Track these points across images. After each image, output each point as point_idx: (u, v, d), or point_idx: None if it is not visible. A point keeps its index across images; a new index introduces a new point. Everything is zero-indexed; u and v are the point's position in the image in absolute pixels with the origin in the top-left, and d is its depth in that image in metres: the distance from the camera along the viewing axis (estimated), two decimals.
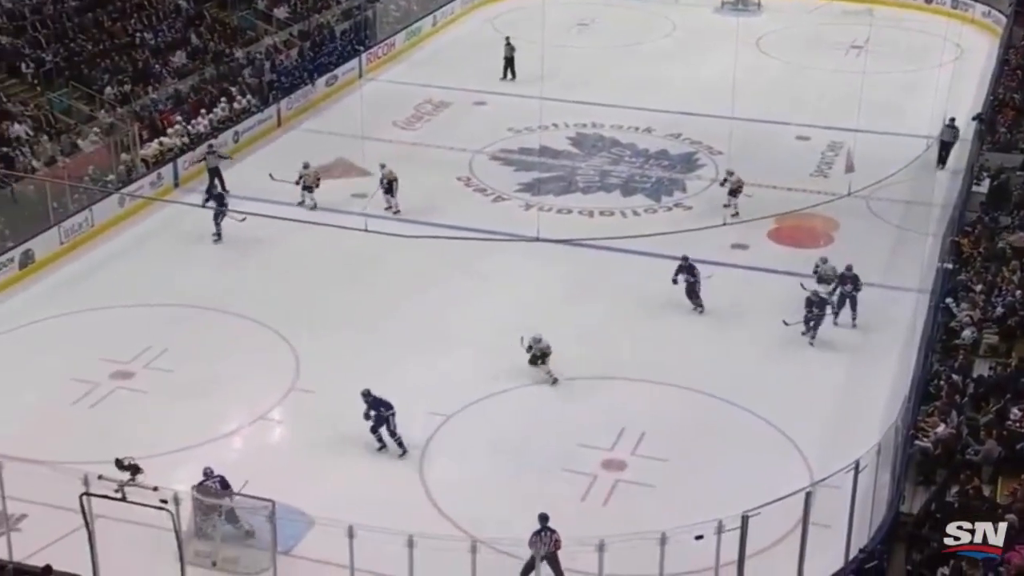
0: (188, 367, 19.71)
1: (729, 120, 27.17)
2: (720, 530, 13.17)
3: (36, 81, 28.10)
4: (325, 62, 33.77)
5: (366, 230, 20.38)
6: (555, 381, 19.30)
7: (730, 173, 25.72)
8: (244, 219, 22.97)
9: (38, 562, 14.22)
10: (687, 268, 21.50)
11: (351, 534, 13.00)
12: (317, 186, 25.78)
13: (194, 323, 21.25)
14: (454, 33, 39.68)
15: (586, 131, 30.85)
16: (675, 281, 21.42)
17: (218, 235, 24.18)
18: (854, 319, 21.05)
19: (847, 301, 21.12)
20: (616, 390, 19.15)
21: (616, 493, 16.78)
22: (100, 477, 13.87)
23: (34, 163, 25.06)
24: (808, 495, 13.69)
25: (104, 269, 23.15)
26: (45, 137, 26.15)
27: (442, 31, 39.68)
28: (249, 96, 30.58)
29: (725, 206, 24.86)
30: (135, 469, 15.31)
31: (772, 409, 18.09)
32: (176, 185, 27.14)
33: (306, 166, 25.78)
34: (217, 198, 24.66)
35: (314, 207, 25.45)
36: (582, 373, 19.62)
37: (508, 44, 34.35)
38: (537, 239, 20.60)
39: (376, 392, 17.55)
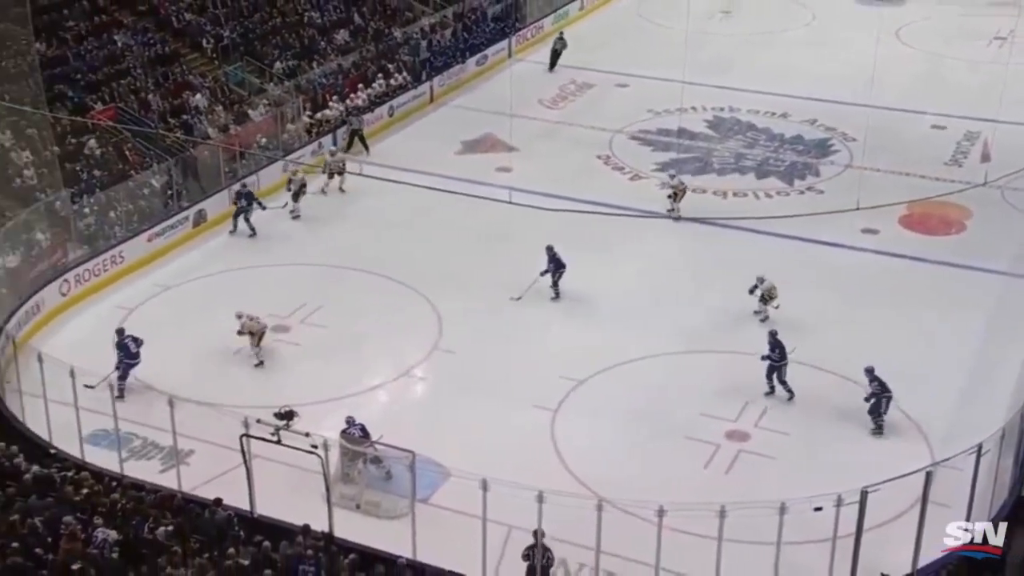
0: (339, 324, 20.17)
1: (865, 107, 26.32)
2: (839, 503, 12.86)
3: (215, 55, 29.02)
4: (476, 43, 33.93)
5: (510, 202, 20.48)
6: (764, 319, 19.77)
7: (672, 176, 24.82)
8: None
9: (203, 494, 14.83)
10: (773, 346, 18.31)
11: (484, 487, 13.14)
12: (340, 173, 25.45)
13: (347, 283, 21.72)
14: (599, 18, 39.27)
15: (723, 115, 30.26)
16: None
17: (234, 229, 23.36)
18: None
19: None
20: (741, 365, 18.79)
21: (738, 463, 16.54)
22: (259, 421, 14.36)
23: (209, 130, 25.93)
24: (928, 474, 13.23)
25: (268, 229, 23.82)
26: (220, 107, 27.01)
27: (588, 16, 39.30)
28: (404, 73, 30.96)
29: (669, 210, 23.62)
30: (290, 415, 15.79)
31: (897, 389, 17.50)
32: (333, 154, 27.66)
33: (332, 153, 25.50)
34: (246, 196, 23.53)
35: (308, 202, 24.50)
36: (709, 347, 19.38)
37: (560, 38, 33.73)
38: (671, 216, 20.42)
39: (511, 355, 17.61)
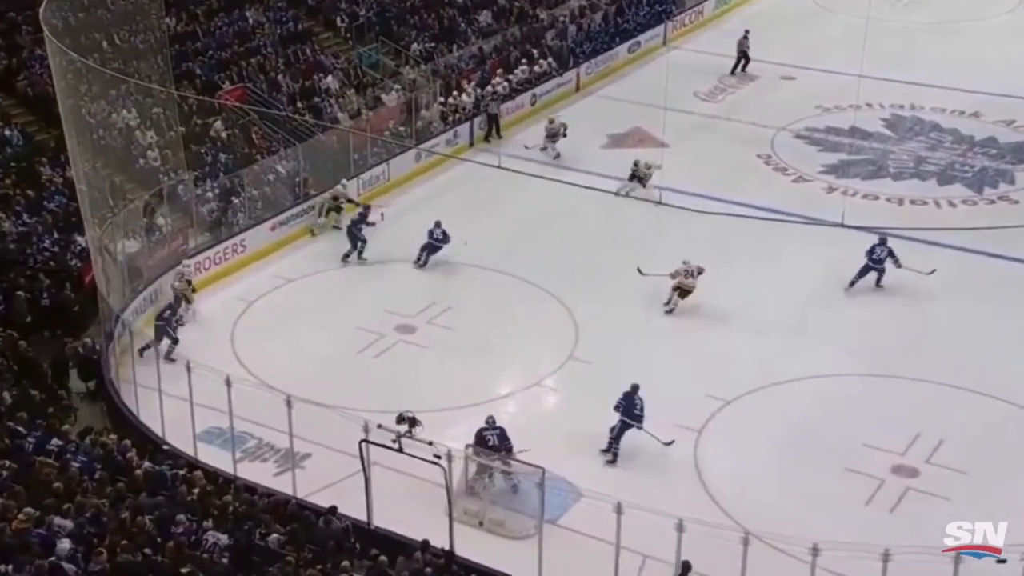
0: (468, 327, 20.46)
1: None
2: None
3: (348, 35, 29.83)
4: (629, 28, 33.91)
5: (659, 202, 20.42)
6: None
7: (645, 165, 25.01)
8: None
9: (318, 501, 15.25)
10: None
11: (619, 511, 13.14)
12: (564, 135, 26.32)
13: (477, 283, 22.02)
14: (768, 2, 38.74)
15: (903, 112, 29.51)
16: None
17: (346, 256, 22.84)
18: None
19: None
20: (911, 392, 18.35)
21: (905, 501, 16.14)
22: (379, 426, 14.65)
23: (339, 115, 26.64)
24: None
25: (398, 222, 24.33)
26: (352, 90, 27.73)
27: (755, 0, 38.87)
28: (550, 59, 31.17)
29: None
30: (413, 422, 15.99)
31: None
32: (471, 144, 28.12)
33: (551, 121, 26.26)
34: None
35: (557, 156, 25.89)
36: (876, 370, 18.93)
37: (745, 38, 32.86)
38: (840, 224, 19.96)
39: (652, 369, 17.57)
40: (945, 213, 24.35)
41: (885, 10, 35.51)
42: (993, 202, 24.87)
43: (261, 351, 19.62)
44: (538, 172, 23.79)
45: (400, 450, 14.61)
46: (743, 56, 32.63)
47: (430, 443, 14.42)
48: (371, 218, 23.15)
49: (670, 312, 20.91)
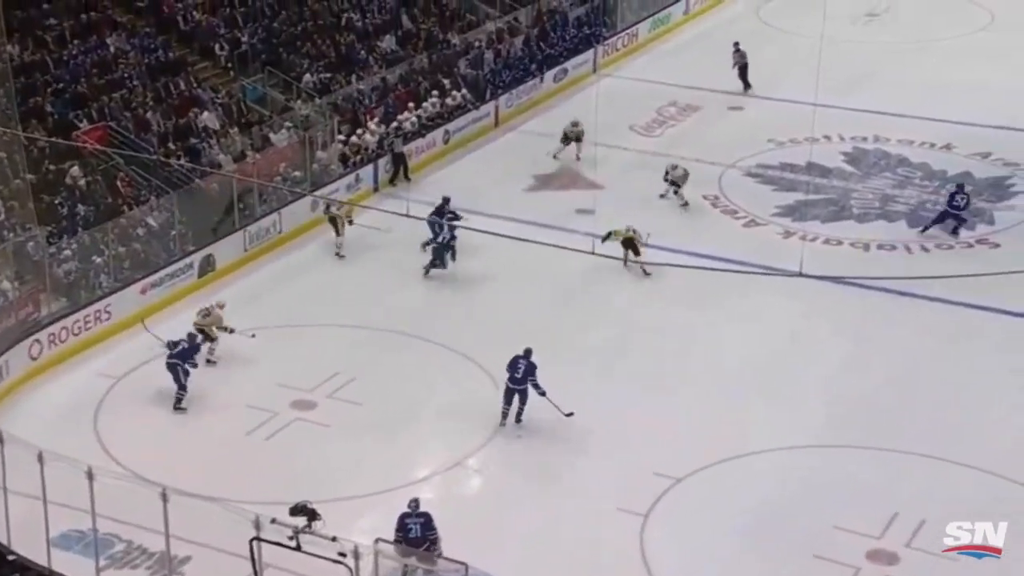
0: (377, 400, 20.38)
1: None
2: None
3: (230, 65, 29.80)
4: (554, 53, 34.41)
5: (593, 252, 20.63)
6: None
7: (673, 167, 27.01)
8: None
9: None
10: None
11: None
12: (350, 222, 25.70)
13: (388, 350, 21.97)
14: (710, 22, 39.64)
15: (866, 146, 30.27)
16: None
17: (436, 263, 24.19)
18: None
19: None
20: (886, 464, 18.63)
21: None
22: (273, 521, 14.47)
23: (220, 157, 26.58)
24: None
25: (291, 282, 24.24)
26: (235, 129, 27.70)
27: (695, 20, 39.73)
28: (464, 90, 31.48)
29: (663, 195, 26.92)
30: (312, 515, 15.89)
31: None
32: (376, 189, 28.20)
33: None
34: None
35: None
36: (845, 440, 19.20)
37: (738, 51, 33.96)
38: (800, 274, 20.33)
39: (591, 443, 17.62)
40: (917, 259, 24.93)
41: (844, 29, 36.53)
42: (971, 245, 25.52)
43: (131, 436, 19.33)
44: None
45: (298, 548, 14.44)
46: (742, 69, 33.58)
47: (333, 538, 14.29)
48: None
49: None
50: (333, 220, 25.55)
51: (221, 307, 21.88)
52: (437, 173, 28.88)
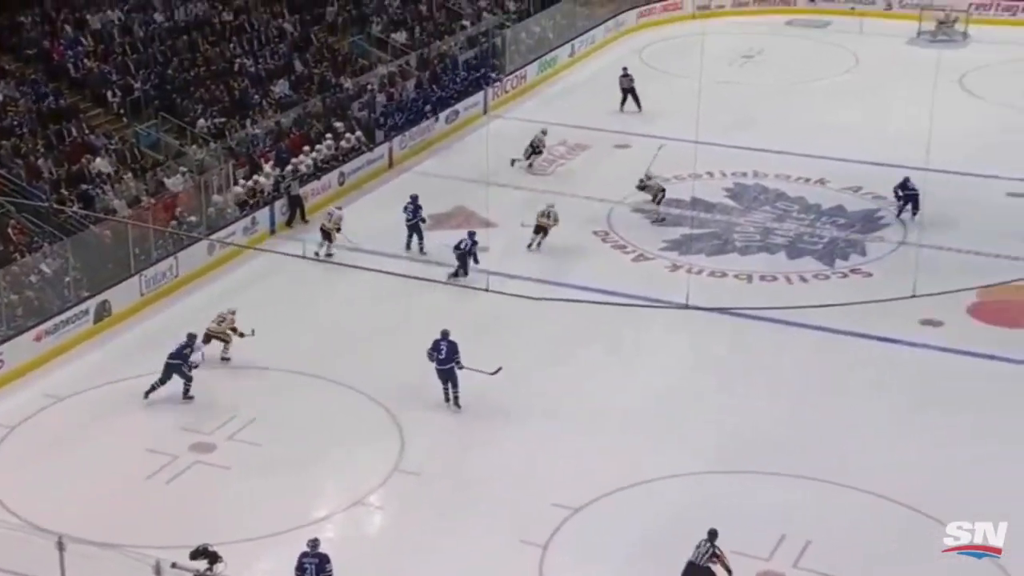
0: (278, 441, 20.13)
1: (923, 171, 26.84)
2: None
3: (122, 111, 29.43)
4: (446, 96, 34.56)
5: (487, 290, 20.66)
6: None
7: (648, 178, 28.71)
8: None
9: None
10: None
11: None
12: (338, 231, 26.69)
13: (287, 391, 21.73)
14: (595, 65, 40.15)
15: (746, 181, 30.81)
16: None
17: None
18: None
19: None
20: (776, 489, 18.85)
21: None
22: (174, 565, 14.28)
23: (115, 203, 26.15)
24: None
25: (189, 326, 23.82)
26: (129, 174, 27.28)
27: (581, 62, 40.22)
28: (358, 133, 31.42)
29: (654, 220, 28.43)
30: (214, 557, 15.67)
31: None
32: (272, 232, 27.95)
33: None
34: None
35: (330, 255, 26.15)
36: (735, 466, 19.40)
37: (626, 75, 35.36)
38: (686, 306, 20.61)
39: (489, 478, 17.58)
40: (796, 289, 25.37)
41: (722, 71, 37.33)
42: (845, 275, 26.05)
43: (26, 485, 18.81)
44: (351, 261, 23.76)
45: None
46: (629, 92, 34.86)
47: None
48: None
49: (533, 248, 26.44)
50: (325, 231, 26.46)
51: (233, 313, 22.90)
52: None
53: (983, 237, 27.08)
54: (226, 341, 22.73)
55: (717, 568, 16.17)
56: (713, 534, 16.37)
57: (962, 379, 22.00)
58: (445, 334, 20.79)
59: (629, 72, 35.49)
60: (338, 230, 26.56)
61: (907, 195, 28.06)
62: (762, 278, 25.93)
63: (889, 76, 38.05)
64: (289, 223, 28.29)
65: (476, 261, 25.48)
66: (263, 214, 27.91)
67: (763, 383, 21.80)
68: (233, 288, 25.51)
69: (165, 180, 27.49)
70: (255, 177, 28.33)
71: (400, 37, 36.68)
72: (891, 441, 20.10)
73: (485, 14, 39.40)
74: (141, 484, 19.06)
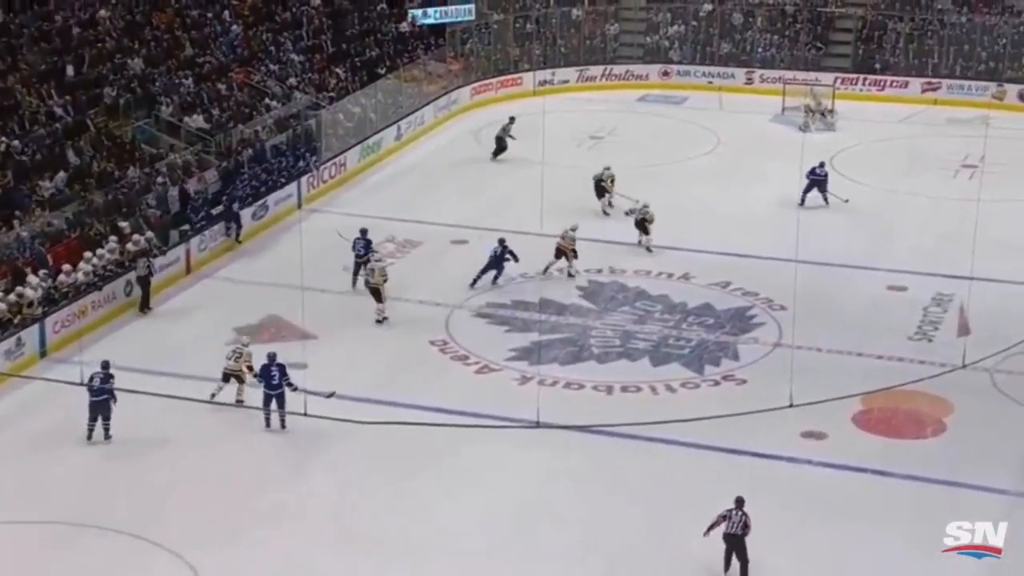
0: None
1: (795, 263, 27.48)
2: None
3: None
4: (252, 188, 34.44)
5: (305, 414, 20.57)
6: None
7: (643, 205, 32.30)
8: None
9: None
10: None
11: None
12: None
13: (60, 546, 21.08)
14: (425, 149, 40.65)
15: (601, 278, 31.30)
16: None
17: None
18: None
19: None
20: None
21: None
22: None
23: None
24: None
25: None
26: None
27: (409, 146, 40.70)
28: (148, 233, 31.02)
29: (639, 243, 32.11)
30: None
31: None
32: (43, 355, 27.29)
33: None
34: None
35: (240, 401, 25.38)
36: None
37: (510, 123, 38.46)
38: (537, 425, 20.78)
39: None
40: (663, 400, 25.72)
41: (568, 153, 38.06)
42: (717, 383, 26.54)
43: None
44: (136, 384, 23.19)
45: None
46: (501, 143, 37.44)
47: None
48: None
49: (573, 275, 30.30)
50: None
51: (246, 346, 25.24)
52: (121, 330, 28.23)
53: (864, 336, 27.93)
54: (242, 380, 24.78)
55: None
56: (740, 501, 19.63)
57: (849, 496, 22.45)
58: (272, 357, 24.15)
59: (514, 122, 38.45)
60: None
61: (813, 180, 29.52)
62: (624, 389, 26.25)
63: (754, 157, 39.31)
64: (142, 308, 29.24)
65: (515, 259, 29.99)
66: (30, 333, 27.14)
67: (630, 508, 21.94)
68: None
69: None
70: (19, 289, 27.66)
71: (196, 121, 36.52)
72: (768, 561, 20.32)
73: (296, 93, 39.62)
74: None
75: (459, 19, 45.17)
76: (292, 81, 40.25)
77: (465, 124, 42.74)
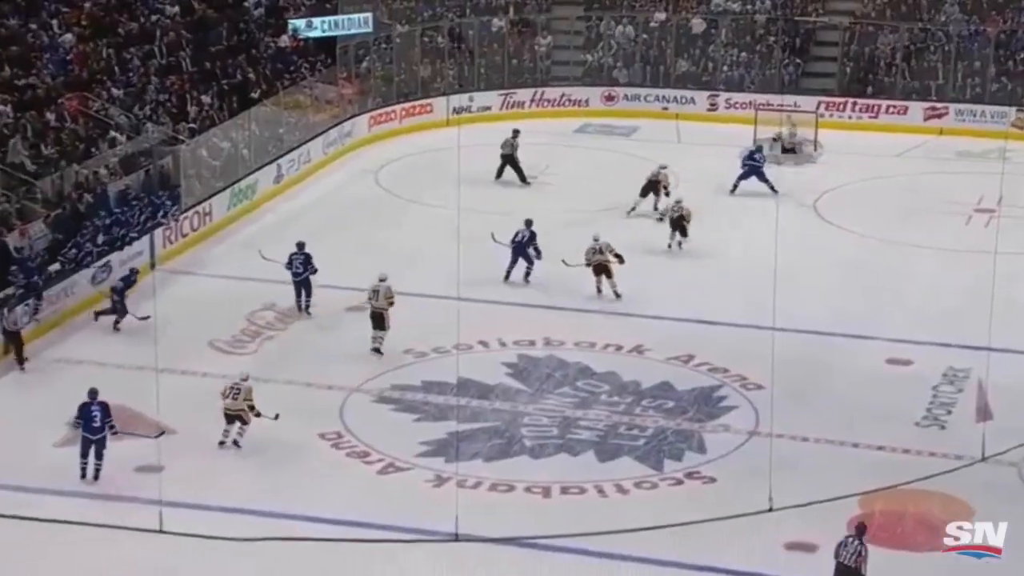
0: None
1: (774, 331, 27.65)
2: None
3: None
4: (92, 246, 34.18)
5: (160, 530, 20.44)
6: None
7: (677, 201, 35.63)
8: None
9: None
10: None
11: None
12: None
13: None
14: (312, 193, 40.73)
15: (534, 352, 31.39)
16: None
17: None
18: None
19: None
20: None
21: None
22: None
23: None
24: None
25: None
26: None
27: (291, 190, 40.72)
28: None
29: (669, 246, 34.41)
30: None
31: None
32: None
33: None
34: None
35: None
36: None
37: (514, 136, 40.52)
38: (456, 538, 20.76)
39: None
40: (612, 504, 25.65)
41: (485, 194, 38.11)
42: (680, 482, 26.43)
43: None
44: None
45: None
46: (509, 161, 39.46)
47: None
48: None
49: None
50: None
51: (246, 379, 26.86)
52: None
53: (861, 422, 27.95)
54: (245, 423, 26.57)
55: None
56: (861, 529, 21.35)
57: None
58: (94, 394, 25.44)
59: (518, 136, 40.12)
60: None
61: (752, 167, 30.60)
62: (564, 491, 26.16)
63: (722, 201, 39.60)
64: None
65: (539, 256, 31.89)
66: None
67: None
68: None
69: None
70: None
71: (19, 160, 36.04)
72: None
73: (148, 124, 39.26)
74: None
75: (353, 31, 45.25)
76: (143, 109, 39.94)
77: (361, 161, 42.81)
